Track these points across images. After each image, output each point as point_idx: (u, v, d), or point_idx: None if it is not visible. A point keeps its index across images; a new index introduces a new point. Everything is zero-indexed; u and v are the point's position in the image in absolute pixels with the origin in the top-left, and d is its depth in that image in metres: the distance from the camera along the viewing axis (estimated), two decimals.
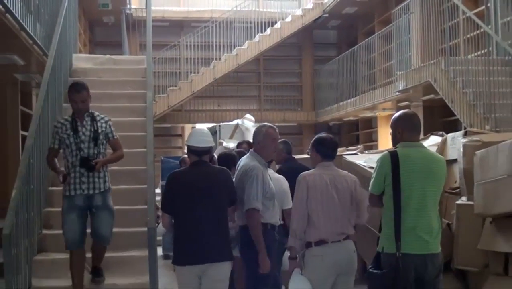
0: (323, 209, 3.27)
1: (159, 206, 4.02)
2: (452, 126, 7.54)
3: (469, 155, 4.11)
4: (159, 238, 6.09)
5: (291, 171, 4.25)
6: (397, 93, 8.27)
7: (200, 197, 3.37)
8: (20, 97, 6.34)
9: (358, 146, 7.56)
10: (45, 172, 4.60)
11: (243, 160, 3.65)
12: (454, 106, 6.38)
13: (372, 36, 10.30)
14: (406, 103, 8.82)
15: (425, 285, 2.91)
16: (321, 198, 3.27)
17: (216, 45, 11.71)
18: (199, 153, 3.47)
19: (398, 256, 2.85)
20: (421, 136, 5.14)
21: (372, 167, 4.19)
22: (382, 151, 4.55)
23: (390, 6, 10.06)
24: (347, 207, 3.33)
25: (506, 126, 5.63)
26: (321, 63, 13.00)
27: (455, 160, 4.44)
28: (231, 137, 7.81)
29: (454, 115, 6.60)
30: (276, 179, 3.88)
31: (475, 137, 4.40)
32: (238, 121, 8.49)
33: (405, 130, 3.04)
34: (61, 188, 4.09)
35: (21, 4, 4.71)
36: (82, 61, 6.71)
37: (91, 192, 3.92)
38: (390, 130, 3.17)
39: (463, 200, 4.15)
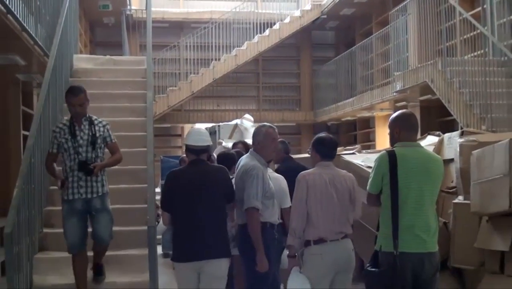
0: (322, 208, 3.30)
1: (159, 205, 4.06)
2: (449, 126, 7.54)
3: (465, 155, 4.12)
4: (159, 236, 6.12)
5: (289, 170, 4.29)
6: (394, 94, 8.30)
7: (198, 195, 3.41)
8: (22, 97, 6.28)
9: (356, 146, 7.60)
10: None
11: (243, 160, 3.67)
12: (451, 106, 6.40)
13: (370, 37, 10.34)
14: (404, 103, 8.84)
15: (422, 283, 2.93)
16: (320, 198, 3.30)
17: (215, 46, 11.74)
18: (197, 152, 3.51)
19: (396, 254, 2.87)
20: (418, 136, 5.20)
21: (369, 167, 4.18)
22: (379, 151, 4.53)
23: (387, 7, 10.09)
24: (346, 206, 3.36)
25: (502, 126, 5.65)
26: (319, 63, 13.04)
27: (451, 160, 4.44)
28: (230, 137, 7.85)
29: (451, 115, 6.62)
30: (275, 179, 3.89)
31: (472, 137, 4.40)
32: (237, 121, 8.52)
33: (402, 130, 3.06)
34: None
35: (23, 5, 4.70)
36: (82, 61, 6.72)
37: (89, 196, 3.93)
38: (388, 130, 3.18)
39: (459, 199, 4.13)
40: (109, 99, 5.89)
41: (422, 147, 3.16)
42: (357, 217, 3.48)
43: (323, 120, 12.51)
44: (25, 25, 4.72)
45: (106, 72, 6.49)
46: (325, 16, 11.94)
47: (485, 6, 7.19)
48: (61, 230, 4.00)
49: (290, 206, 3.68)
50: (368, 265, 3.04)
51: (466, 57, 6.88)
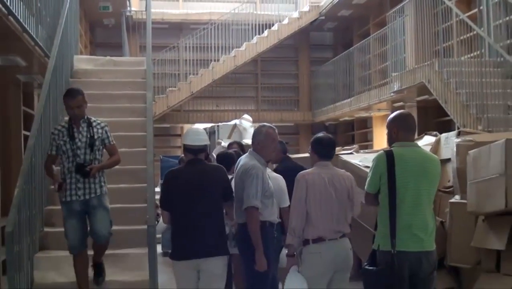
0: (322, 208, 3.31)
1: (159, 204, 4.11)
2: (445, 126, 7.58)
3: (462, 155, 4.11)
4: (159, 235, 6.15)
5: (288, 170, 4.34)
6: (392, 94, 8.33)
7: (196, 194, 3.44)
8: (22, 97, 6.27)
9: (354, 145, 7.64)
10: None
11: (243, 159, 3.69)
12: (448, 107, 6.43)
13: (368, 38, 10.37)
14: (401, 103, 8.86)
15: (420, 281, 2.94)
16: (319, 197, 3.31)
17: (214, 47, 11.77)
18: (194, 152, 3.54)
19: (394, 253, 2.88)
20: (416, 136, 5.23)
21: (367, 166, 4.22)
22: (377, 151, 4.57)
23: (385, 8, 10.13)
24: (344, 205, 3.37)
25: (498, 126, 5.68)
26: (317, 64, 13.08)
27: (448, 160, 4.45)
28: (229, 137, 7.88)
29: (447, 115, 6.64)
30: (274, 178, 3.92)
31: (468, 137, 4.40)
32: (236, 121, 8.56)
33: (400, 130, 3.08)
34: None
35: (24, 6, 4.70)
36: (83, 62, 6.73)
37: (87, 196, 3.93)
38: (386, 130, 3.19)
39: (456, 198, 4.14)
40: (109, 100, 5.90)
41: (419, 147, 3.18)
42: (355, 215, 3.50)
43: (321, 120, 12.54)
44: (26, 26, 4.72)
45: (106, 72, 6.51)
46: (323, 18, 11.98)
47: (481, 7, 7.23)
48: (62, 229, 4.02)
49: (289, 205, 3.71)
50: (366, 263, 3.06)
51: (462, 58, 6.91)
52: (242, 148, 5.21)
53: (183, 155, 4.15)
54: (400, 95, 8.28)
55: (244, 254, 3.62)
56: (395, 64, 8.33)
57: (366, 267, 3.03)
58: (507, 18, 6.53)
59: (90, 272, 4.14)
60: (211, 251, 3.41)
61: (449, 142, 4.61)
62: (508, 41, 6.48)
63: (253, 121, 8.75)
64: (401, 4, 8.23)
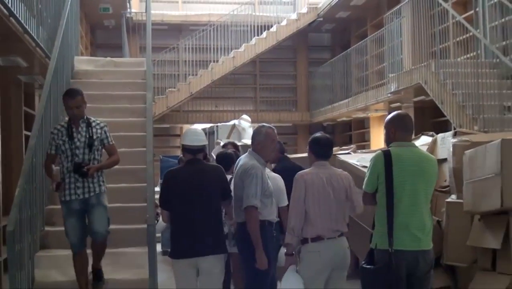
0: (320, 207, 3.32)
1: (158, 203, 4.15)
2: (442, 126, 7.59)
3: (458, 155, 4.09)
4: (158, 234, 6.18)
5: (286, 170, 4.36)
6: (389, 95, 8.35)
7: (195, 193, 3.48)
8: (23, 98, 6.27)
9: (351, 146, 7.68)
10: None
11: (242, 159, 3.71)
12: (444, 107, 6.44)
13: (365, 39, 10.41)
14: (398, 104, 8.89)
15: (417, 280, 2.96)
16: (318, 196, 3.32)
17: (213, 48, 11.82)
18: (193, 152, 3.58)
19: (391, 252, 2.89)
20: (412, 136, 5.25)
21: (364, 166, 4.22)
22: (374, 151, 4.55)
23: (382, 10, 10.16)
24: (342, 205, 3.39)
25: (494, 127, 5.69)
26: (315, 65, 13.13)
27: (445, 160, 4.44)
28: (228, 137, 7.90)
29: (444, 116, 6.65)
30: (273, 178, 3.94)
31: (464, 137, 4.37)
32: (235, 121, 8.58)
33: (398, 130, 3.09)
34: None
35: (25, 8, 4.71)
36: (83, 63, 6.74)
37: (86, 195, 3.95)
38: (383, 130, 3.20)
39: (452, 198, 4.13)
40: (109, 100, 5.92)
41: (417, 147, 3.20)
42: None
43: (319, 121, 12.58)
44: (27, 27, 4.74)
45: (107, 73, 6.52)
46: (321, 19, 12.03)
47: (477, 9, 7.26)
48: (62, 228, 4.05)
49: (287, 205, 3.72)
50: (363, 262, 3.07)
51: (459, 59, 6.93)
52: (237, 149, 5.27)
53: (182, 155, 4.19)
54: (397, 96, 8.30)
55: (243, 253, 3.65)
56: (392, 65, 8.35)
57: (364, 265, 3.04)
58: (503, 20, 6.53)
59: (90, 273, 4.15)
60: (210, 250, 3.45)
61: (446, 142, 4.59)
62: (504, 43, 6.49)
63: (252, 122, 8.78)
64: (398, 6, 8.27)
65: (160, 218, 4.11)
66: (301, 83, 13.42)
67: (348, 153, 5.66)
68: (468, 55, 6.93)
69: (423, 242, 2.97)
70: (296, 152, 10.45)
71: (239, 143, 7.00)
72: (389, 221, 2.93)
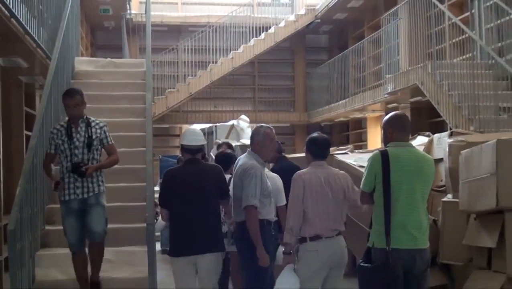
0: (318, 206, 3.33)
1: (158, 202, 4.13)
2: (438, 127, 7.61)
3: (454, 155, 4.11)
4: (158, 233, 6.21)
5: (284, 170, 4.39)
6: (385, 95, 8.39)
7: (193, 193, 3.53)
8: (24, 98, 6.29)
9: (349, 146, 7.74)
10: None
11: (241, 159, 3.73)
12: (440, 108, 6.47)
13: (362, 40, 10.46)
14: (395, 105, 8.91)
15: (414, 278, 2.97)
16: (316, 196, 3.34)
17: (212, 49, 11.86)
18: (192, 152, 3.63)
19: (388, 250, 2.90)
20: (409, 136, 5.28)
21: (362, 166, 4.26)
22: (371, 151, 4.60)
23: (379, 12, 10.19)
24: (340, 204, 3.41)
25: (489, 127, 5.72)
26: (313, 66, 13.17)
27: (441, 160, 4.45)
28: (227, 137, 7.92)
29: (440, 116, 6.68)
30: (271, 178, 3.97)
31: (460, 138, 4.40)
32: (234, 121, 8.59)
33: (395, 130, 3.11)
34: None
35: (26, 9, 4.74)
36: (84, 64, 6.77)
37: (85, 195, 3.95)
38: (380, 130, 3.27)
39: (448, 197, 4.15)
40: (109, 101, 5.95)
41: (414, 147, 3.22)
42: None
43: (317, 121, 12.61)
44: (28, 28, 4.76)
45: (107, 74, 6.55)
46: (318, 21, 12.08)
47: (473, 11, 7.31)
48: (62, 228, 4.05)
49: (285, 204, 3.75)
50: (361, 261, 3.08)
51: (455, 60, 6.99)
52: (232, 149, 5.32)
53: (181, 155, 4.23)
54: (394, 97, 8.34)
55: (242, 252, 3.68)
56: (389, 66, 8.36)
57: (361, 264, 3.05)
58: (499, 22, 6.56)
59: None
60: (207, 248, 3.50)
61: (442, 142, 4.62)
62: (499, 44, 6.54)
63: (250, 122, 8.80)
64: (395, 8, 8.30)
65: (160, 217, 4.14)
66: (299, 84, 13.46)
67: (346, 153, 5.66)
68: (464, 57, 6.96)
69: (420, 241, 2.98)
70: (294, 152, 10.49)
71: (237, 143, 7.06)
72: (386, 220, 2.95)
